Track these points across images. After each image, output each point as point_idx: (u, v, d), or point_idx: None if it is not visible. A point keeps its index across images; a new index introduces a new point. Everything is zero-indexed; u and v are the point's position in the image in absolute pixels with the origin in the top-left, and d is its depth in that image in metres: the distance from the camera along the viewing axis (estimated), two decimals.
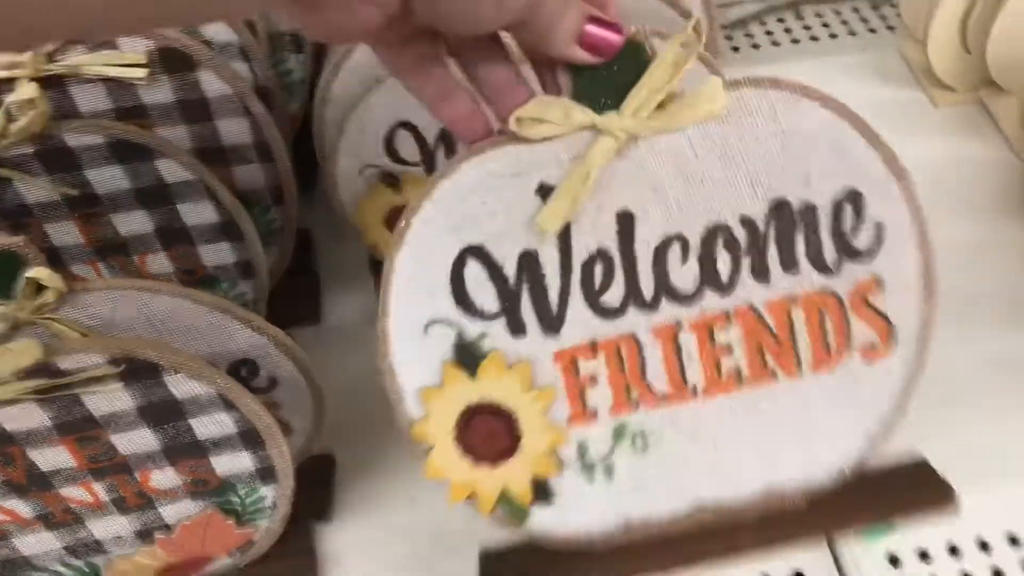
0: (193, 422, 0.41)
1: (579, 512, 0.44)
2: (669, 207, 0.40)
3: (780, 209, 0.40)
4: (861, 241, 0.42)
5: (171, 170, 0.47)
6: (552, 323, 0.41)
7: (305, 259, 0.65)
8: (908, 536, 0.51)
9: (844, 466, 0.46)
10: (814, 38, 0.85)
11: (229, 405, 0.41)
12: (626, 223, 0.40)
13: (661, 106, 0.38)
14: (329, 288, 0.65)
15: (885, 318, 0.43)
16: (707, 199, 0.40)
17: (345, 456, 0.56)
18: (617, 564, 0.46)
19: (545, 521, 0.44)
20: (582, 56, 0.36)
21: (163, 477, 0.43)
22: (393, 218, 0.57)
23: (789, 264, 0.41)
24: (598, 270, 0.40)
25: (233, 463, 0.43)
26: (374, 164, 0.54)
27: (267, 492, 0.45)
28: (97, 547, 0.45)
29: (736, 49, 0.84)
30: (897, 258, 0.42)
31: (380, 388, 0.59)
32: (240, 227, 0.50)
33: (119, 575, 0.48)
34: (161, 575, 0.49)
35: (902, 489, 0.49)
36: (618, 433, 0.43)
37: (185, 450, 0.42)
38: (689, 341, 0.42)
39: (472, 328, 0.41)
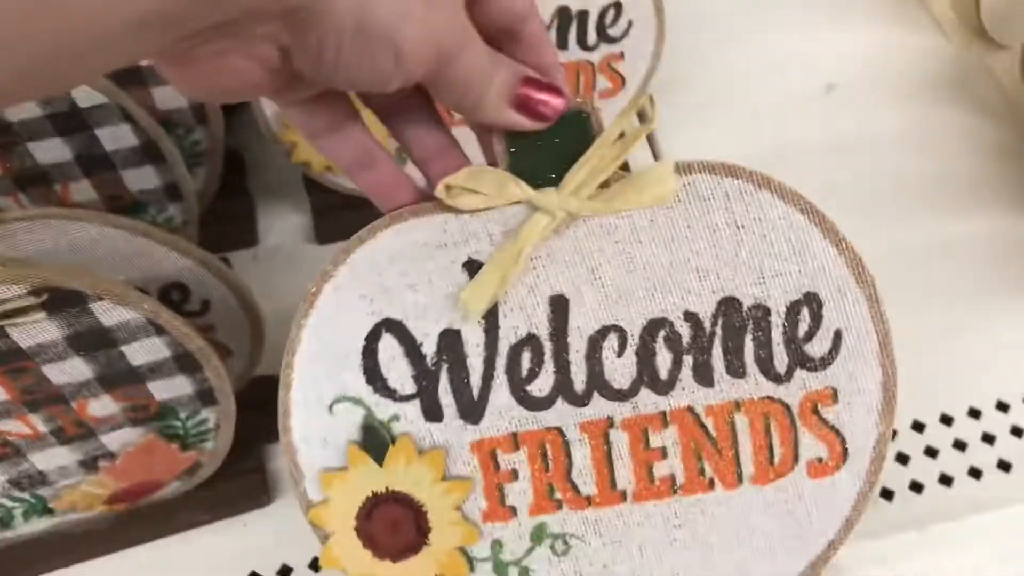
0: (125, 349, 0.40)
1: None
2: (607, 294, 0.36)
3: (729, 307, 0.36)
4: (816, 349, 0.37)
5: (84, 94, 0.46)
6: (471, 410, 0.37)
7: (237, 181, 0.64)
8: None
9: None
10: None
11: (160, 330, 0.40)
12: (559, 308, 0.36)
13: (604, 185, 0.35)
14: (264, 209, 0.64)
15: (837, 432, 0.38)
16: (649, 289, 0.36)
17: None
18: None
19: None
20: (516, 120, 0.33)
21: (100, 405, 0.43)
22: None
23: (735, 367, 0.37)
24: (526, 356, 0.36)
25: (170, 388, 0.43)
26: None
27: (208, 415, 0.45)
28: (41, 479, 0.45)
29: None
30: (854, 369, 0.38)
31: None
32: (161, 149, 0.49)
33: (68, 505, 0.48)
34: (111, 503, 0.49)
35: None
36: (537, 535, 0.39)
37: (120, 377, 0.42)
38: (620, 441, 0.37)
39: (383, 409, 0.37)
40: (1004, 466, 0.51)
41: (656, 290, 0.36)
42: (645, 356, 0.36)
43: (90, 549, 0.50)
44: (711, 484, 0.38)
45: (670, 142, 0.67)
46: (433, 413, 0.37)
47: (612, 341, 0.36)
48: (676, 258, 0.36)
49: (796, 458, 0.38)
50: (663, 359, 0.36)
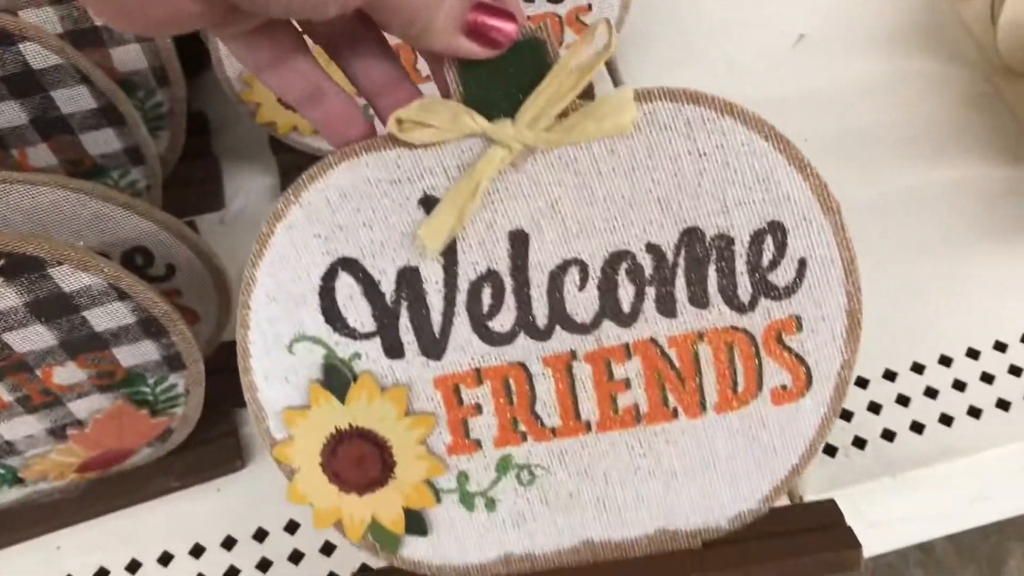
0: (87, 314, 0.40)
1: (457, 544, 0.40)
2: (567, 228, 0.35)
3: (692, 237, 0.35)
4: (780, 278, 0.36)
5: (37, 54, 0.44)
6: (433, 347, 0.37)
7: (201, 144, 0.63)
8: None
9: (745, 511, 0.40)
10: None
11: (122, 295, 0.39)
12: (519, 244, 0.35)
13: (563, 115, 0.33)
14: (230, 172, 0.63)
15: (801, 360, 0.38)
16: (610, 221, 0.35)
17: None
18: None
19: (420, 551, 0.40)
20: (468, 48, 0.31)
21: (66, 373, 0.42)
22: None
23: (698, 297, 0.36)
24: (486, 293, 0.36)
25: (137, 353, 0.43)
26: None
27: (177, 380, 0.45)
28: (9, 448, 0.45)
29: None
30: (819, 297, 0.37)
31: None
32: (121, 111, 0.48)
33: (38, 475, 0.47)
34: (82, 471, 0.48)
35: (805, 534, 0.42)
36: (502, 466, 0.39)
37: (84, 343, 0.41)
38: (584, 373, 0.37)
39: (343, 348, 0.37)
40: (974, 412, 0.52)
41: (617, 222, 0.35)
42: (607, 289, 0.36)
43: (62, 518, 0.50)
44: (675, 413, 0.38)
45: None
46: (394, 351, 0.37)
47: (573, 275, 0.36)
48: (637, 189, 0.35)
49: (760, 386, 0.38)
50: (625, 292, 0.36)
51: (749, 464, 0.39)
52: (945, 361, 0.54)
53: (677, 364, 0.37)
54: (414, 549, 0.40)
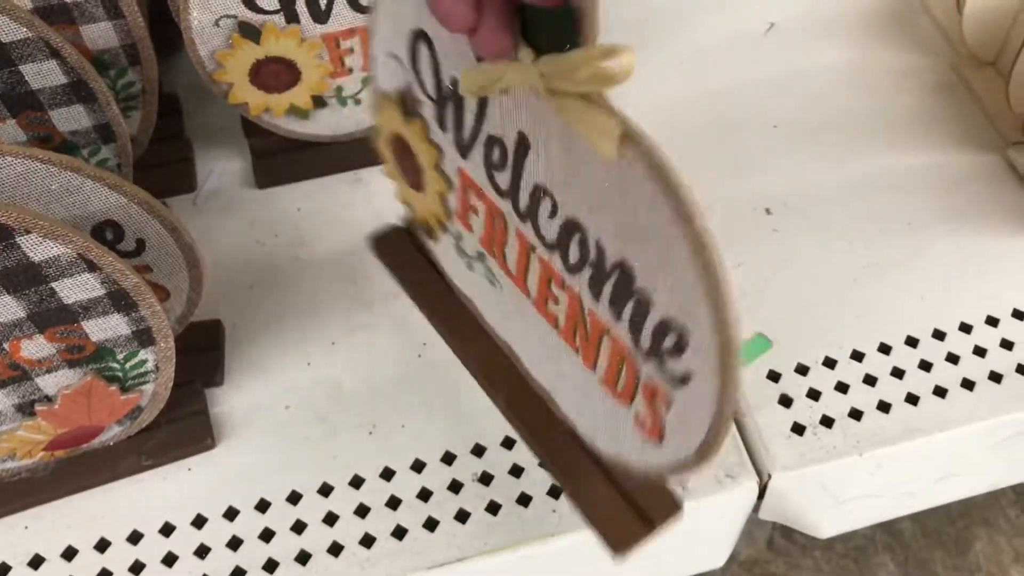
0: (56, 286, 0.39)
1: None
2: (553, 172, 0.34)
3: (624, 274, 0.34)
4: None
5: (5, 26, 0.44)
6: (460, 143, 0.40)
7: (174, 124, 0.63)
8: (785, 352, 0.54)
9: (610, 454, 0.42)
10: None
11: (92, 266, 0.39)
12: (522, 145, 0.35)
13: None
14: (202, 153, 0.63)
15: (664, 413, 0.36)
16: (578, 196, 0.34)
17: (236, 321, 0.55)
18: None
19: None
20: None
21: (34, 346, 0.42)
22: (258, 72, 0.55)
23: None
24: (497, 152, 0.37)
25: (106, 327, 0.42)
26: (230, 14, 0.52)
27: (147, 355, 0.45)
28: None
29: None
30: None
31: (266, 253, 0.58)
32: (91, 87, 0.47)
33: (6, 453, 0.47)
34: (51, 449, 0.48)
35: None
36: (480, 253, 0.43)
37: (53, 316, 0.41)
38: (535, 264, 0.39)
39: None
40: (940, 392, 0.53)
41: (590, 190, 0.33)
42: (564, 239, 0.36)
43: (30, 498, 0.49)
44: (577, 351, 0.39)
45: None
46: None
47: (547, 204, 0.35)
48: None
49: (632, 398, 0.37)
50: (575, 251, 0.35)
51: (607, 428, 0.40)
52: (912, 342, 0.54)
53: (588, 328, 0.37)
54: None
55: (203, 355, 0.53)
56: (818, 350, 0.54)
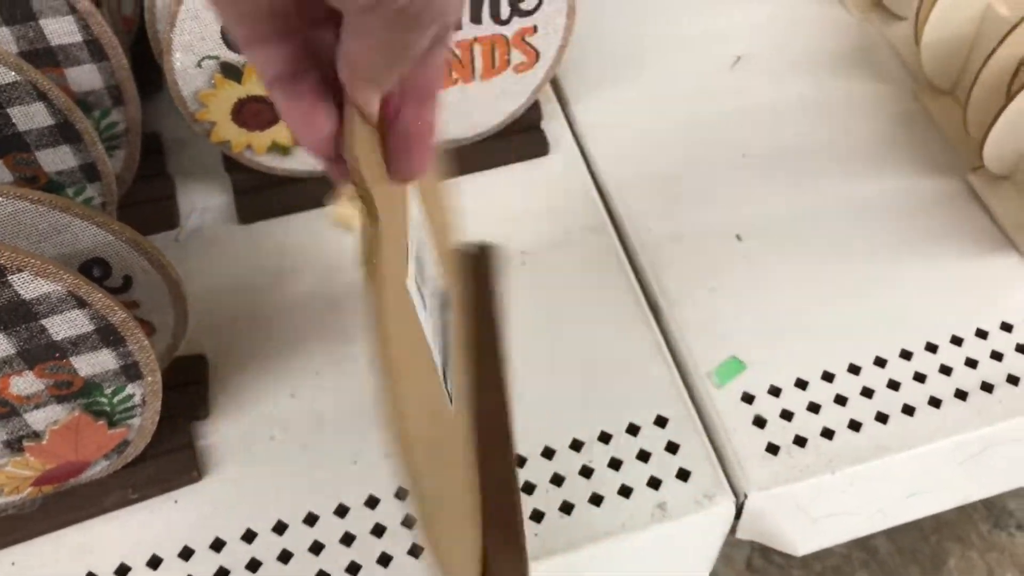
0: (46, 322, 0.40)
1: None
2: None
3: None
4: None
5: None
6: None
7: (157, 163, 0.64)
8: (759, 374, 0.55)
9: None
10: None
11: (81, 302, 0.40)
12: None
13: None
14: (184, 191, 0.64)
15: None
16: None
17: (220, 355, 0.56)
18: None
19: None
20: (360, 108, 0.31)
21: (24, 382, 0.43)
22: (240, 111, 0.56)
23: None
24: None
25: (95, 362, 0.43)
26: (212, 55, 0.53)
27: (134, 390, 0.46)
28: None
29: None
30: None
31: (249, 287, 0.59)
32: (76, 127, 0.49)
33: None
34: (39, 484, 0.49)
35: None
36: None
37: (43, 352, 0.42)
38: None
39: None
40: (908, 410, 0.54)
41: None
42: None
43: (18, 533, 0.50)
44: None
45: (585, 114, 0.69)
46: None
47: None
48: None
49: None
50: None
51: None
52: (880, 362, 0.56)
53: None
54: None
55: (188, 389, 0.54)
56: (790, 372, 0.56)
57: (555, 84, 0.70)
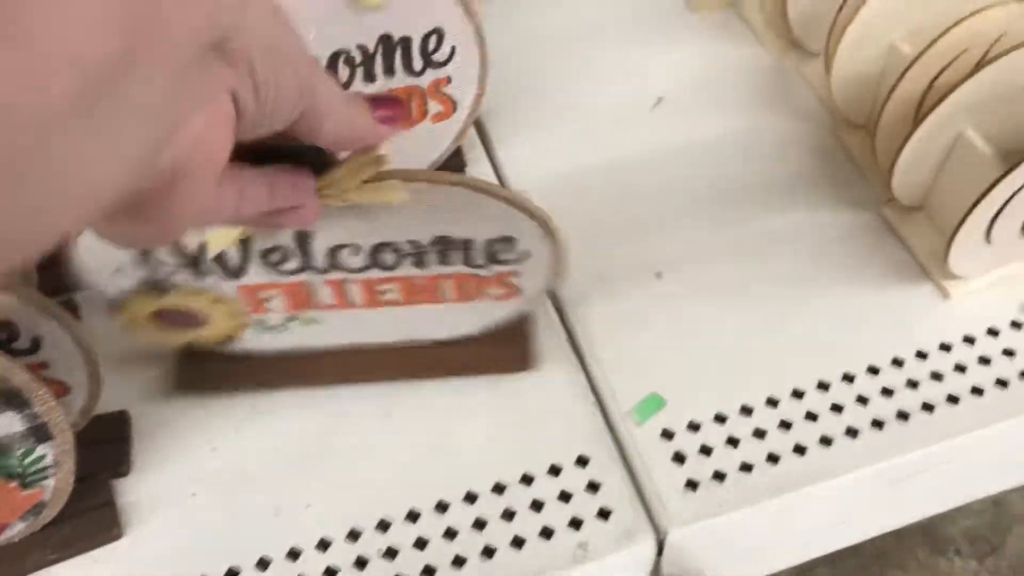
0: None
1: (256, 345, 0.56)
2: (347, 232, 0.49)
3: (443, 241, 0.50)
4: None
5: None
6: (235, 275, 0.50)
7: None
8: (679, 410, 0.56)
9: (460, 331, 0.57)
10: None
11: None
12: (302, 236, 0.49)
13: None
14: None
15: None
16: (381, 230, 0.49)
17: (142, 410, 0.56)
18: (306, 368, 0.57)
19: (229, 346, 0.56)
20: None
21: None
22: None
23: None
24: (276, 255, 0.50)
25: (1, 425, 0.43)
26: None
27: (45, 450, 0.46)
28: None
29: None
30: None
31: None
32: None
33: None
34: None
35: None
36: (290, 319, 0.54)
37: None
38: (354, 289, 0.52)
39: (161, 271, 0.49)
40: (826, 441, 0.55)
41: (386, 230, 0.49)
42: (375, 256, 0.50)
43: None
44: (425, 301, 0.54)
45: (510, 158, 0.70)
46: (200, 276, 0.50)
47: (348, 250, 0.49)
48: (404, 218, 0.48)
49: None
50: (388, 259, 0.50)
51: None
52: (798, 394, 0.57)
53: (427, 283, 0.53)
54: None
55: (109, 446, 0.54)
56: (709, 407, 0.57)
57: (479, 127, 0.71)
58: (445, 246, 0.50)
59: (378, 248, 0.50)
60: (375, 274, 0.51)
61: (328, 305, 0.53)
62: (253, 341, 0.56)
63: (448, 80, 0.59)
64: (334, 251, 0.50)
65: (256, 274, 0.50)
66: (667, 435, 0.55)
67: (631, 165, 0.70)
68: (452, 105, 0.61)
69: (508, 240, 0.50)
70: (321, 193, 0.40)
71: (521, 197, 0.48)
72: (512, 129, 0.71)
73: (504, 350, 0.58)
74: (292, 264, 0.50)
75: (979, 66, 0.54)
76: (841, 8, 0.64)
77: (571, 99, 0.74)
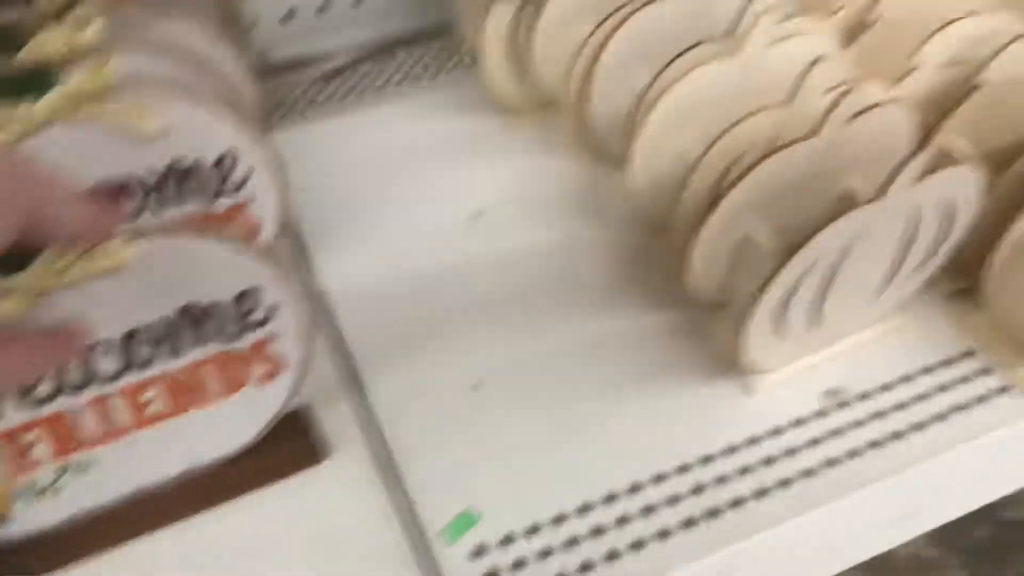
0: None
1: (35, 520, 0.52)
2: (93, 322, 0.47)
3: (188, 312, 0.50)
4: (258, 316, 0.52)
5: None
6: None
7: None
8: (492, 525, 0.55)
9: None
10: (408, 78, 0.90)
11: None
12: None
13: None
14: None
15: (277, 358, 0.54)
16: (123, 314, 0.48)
17: None
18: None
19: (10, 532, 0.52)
20: None
21: None
22: None
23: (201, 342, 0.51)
24: None
25: None
26: None
27: None
28: None
29: (332, 96, 0.87)
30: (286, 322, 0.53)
31: None
32: None
33: None
34: None
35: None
36: (61, 470, 0.51)
37: None
38: (117, 404, 0.50)
39: None
40: (638, 545, 0.55)
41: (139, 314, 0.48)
42: (127, 350, 0.49)
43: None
44: (187, 408, 0.53)
45: (329, 276, 0.70)
46: None
47: (98, 349, 0.48)
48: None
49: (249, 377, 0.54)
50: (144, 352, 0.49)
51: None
52: (610, 499, 0.57)
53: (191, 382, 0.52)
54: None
55: None
56: (523, 519, 0.56)
57: (298, 247, 0.71)
58: (195, 317, 0.49)
59: (128, 339, 0.48)
60: (133, 377, 0.50)
61: (95, 437, 0.51)
62: (27, 517, 0.51)
63: (245, 204, 0.59)
64: (85, 369, 0.48)
65: (13, 412, 0.48)
66: (479, 552, 0.54)
67: (450, 279, 0.70)
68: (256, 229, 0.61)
69: (254, 292, 0.50)
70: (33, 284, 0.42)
71: (253, 243, 0.50)
72: (329, 247, 0.71)
73: (291, 445, 0.58)
74: (45, 388, 0.48)
75: (750, 168, 0.57)
76: (634, 116, 0.66)
77: (389, 218, 0.75)
